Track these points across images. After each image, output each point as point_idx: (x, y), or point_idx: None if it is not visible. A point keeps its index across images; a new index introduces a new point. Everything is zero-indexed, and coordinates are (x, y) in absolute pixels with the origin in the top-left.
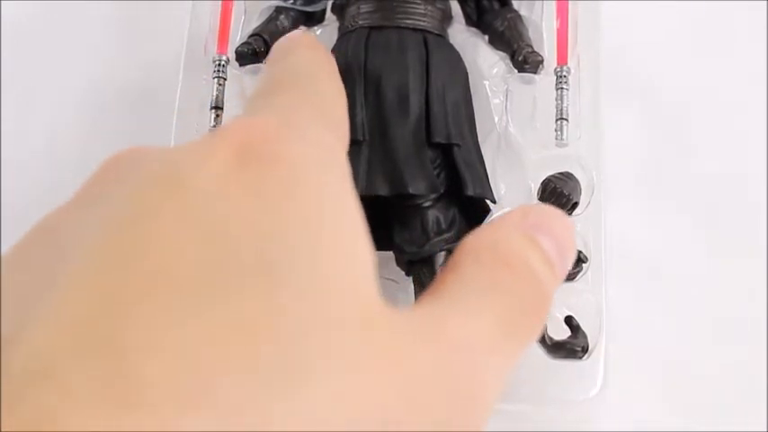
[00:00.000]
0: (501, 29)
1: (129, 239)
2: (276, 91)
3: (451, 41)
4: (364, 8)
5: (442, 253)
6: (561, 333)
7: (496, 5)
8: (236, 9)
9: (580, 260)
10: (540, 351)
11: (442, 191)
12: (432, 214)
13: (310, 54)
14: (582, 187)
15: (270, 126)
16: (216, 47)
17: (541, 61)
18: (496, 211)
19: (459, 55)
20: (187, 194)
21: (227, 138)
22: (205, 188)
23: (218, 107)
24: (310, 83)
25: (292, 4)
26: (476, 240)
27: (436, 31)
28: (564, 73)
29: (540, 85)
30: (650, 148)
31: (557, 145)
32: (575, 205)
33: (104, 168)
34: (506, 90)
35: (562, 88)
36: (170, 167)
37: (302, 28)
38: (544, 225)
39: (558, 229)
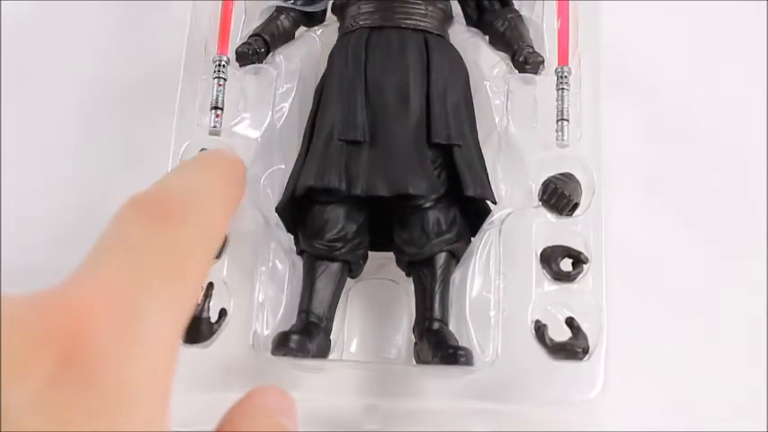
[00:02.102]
0: (502, 29)
1: None
2: (138, 232)
3: (452, 42)
4: (365, 8)
5: (443, 253)
6: (562, 334)
7: (497, 6)
8: (237, 9)
9: (581, 261)
10: (540, 352)
11: (442, 191)
12: (432, 215)
13: (208, 177)
14: (582, 188)
15: (99, 321)
16: (216, 47)
17: (542, 62)
18: (497, 212)
19: (459, 55)
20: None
21: (50, 343)
22: (20, 404)
23: (218, 107)
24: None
25: (293, 4)
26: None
27: (437, 32)
28: (565, 73)
29: (540, 86)
30: (651, 148)
31: (557, 145)
32: (575, 206)
33: None
34: (507, 90)
35: (563, 89)
36: None
37: (302, 27)
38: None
39: (292, 405)
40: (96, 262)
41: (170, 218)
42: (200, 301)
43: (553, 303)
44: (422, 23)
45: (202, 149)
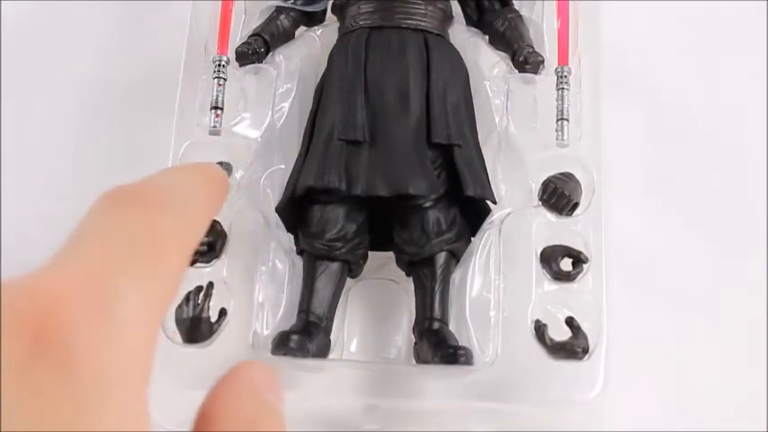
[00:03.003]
0: (502, 29)
1: None
2: (114, 219)
3: (452, 42)
4: (364, 8)
5: (443, 253)
6: (562, 334)
7: (497, 6)
8: (237, 9)
9: (581, 261)
10: (540, 352)
11: (442, 191)
12: (432, 215)
13: (189, 178)
14: (582, 188)
15: (71, 307)
16: (216, 47)
17: (542, 61)
18: (497, 212)
19: (459, 55)
20: None
21: (21, 326)
22: None
23: (218, 107)
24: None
25: (293, 4)
26: (216, 408)
27: (437, 32)
28: (565, 73)
29: (540, 86)
30: (651, 148)
31: (557, 145)
32: (575, 206)
33: None
34: (507, 90)
35: (563, 88)
36: None
37: (302, 27)
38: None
39: (277, 381)
40: (69, 248)
41: (146, 205)
42: (200, 301)
43: (553, 303)
44: (422, 23)
45: None
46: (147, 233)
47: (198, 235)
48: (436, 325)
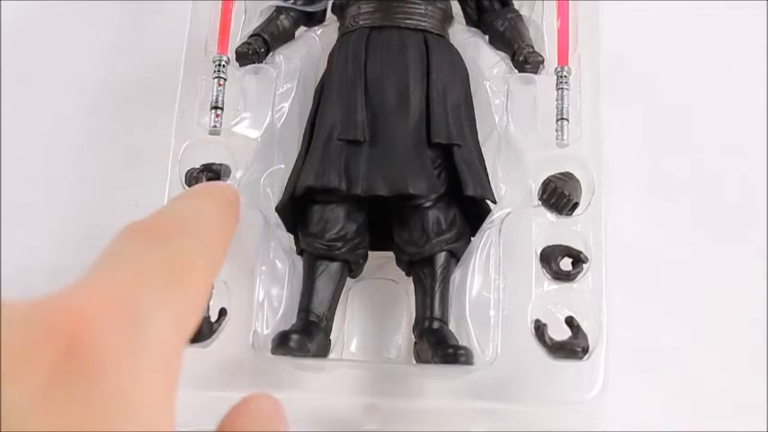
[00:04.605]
0: (502, 29)
1: None
2: (139, 246)
3: (452, 41)
4: (365, 8)
5: (443, 253)
6: (562, 334)
7: (497, 5)
8: (237, 9)
9: (580, 260)
10: (540, 352)
11: (442, 191)
12: (432, 214)
13: (202, 204)
14: (582, 187)
15: (101, 322)
16: (216, 47)
17: (542, 61)
18: (497, 211)
19: (459, 55)
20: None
21: (50, 342)
22: (20, 402)
23: (218, 107)
24: (189, 238)
25: (293, 3)
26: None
27: (437, 32)
28: (564, 73)
29: (540, 86)
30: (651, 148)
31: (557, 145)
32: (575, 205)
33: None
34: (507, 90)
35: (563, 88)
36: None
37: (302, 27)
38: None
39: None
40: (97, 270)
41: (168, 233)
42: None
43: (553, 303)
44: (422, 23)
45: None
46: (171, 258)
47: (218, 255)
48: (436, 325)
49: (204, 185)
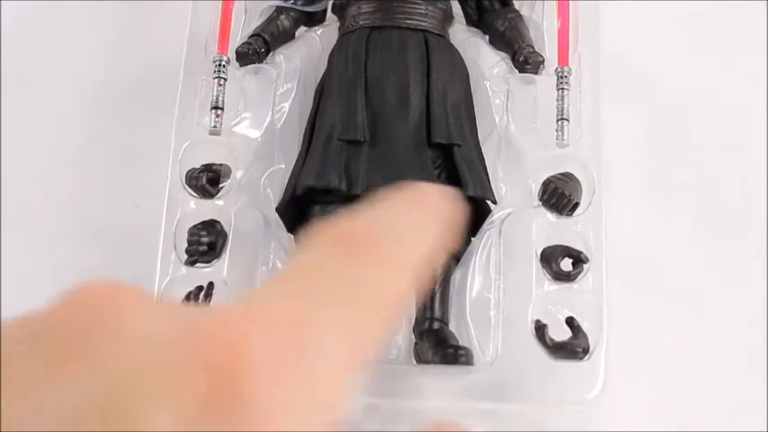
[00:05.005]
0: (502, 29)
1: None
2: (335, 260)
3: (452, 41)
4: (365, 8)
5: None
6: (562, 334)
7: (497, 5)
8: (237, 9)
9: (581, 261)
10: (540, 352)
11: None
12: None
13: (420, 216)
14: (582, 188)
15: (260, 351)
16: (216, 47)
17: (542, 61)
18: (497, 212)
19: (459, 55)
20: None
21: (201, 371)
22: (168, 429)
23: (218, 107)
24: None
25: (293, 4)
26: None
27: (437, 32)
28: (565, 73)
29: (540, 86)
30: (651, 148)
31: (557, 145)
32: (575, 206)
33: (73, 307)
34: (507, 90)
35: (563, 88)
36: (123, 401)
37: (302, 27)
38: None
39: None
40: (270, 287)
41: (370, 253)
42: (200, 301)
43: (553, 303)
44: (422, 23)
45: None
46: (361, 287)
47: (411, 283)
48: (436, 325)
49: (421, 190)
